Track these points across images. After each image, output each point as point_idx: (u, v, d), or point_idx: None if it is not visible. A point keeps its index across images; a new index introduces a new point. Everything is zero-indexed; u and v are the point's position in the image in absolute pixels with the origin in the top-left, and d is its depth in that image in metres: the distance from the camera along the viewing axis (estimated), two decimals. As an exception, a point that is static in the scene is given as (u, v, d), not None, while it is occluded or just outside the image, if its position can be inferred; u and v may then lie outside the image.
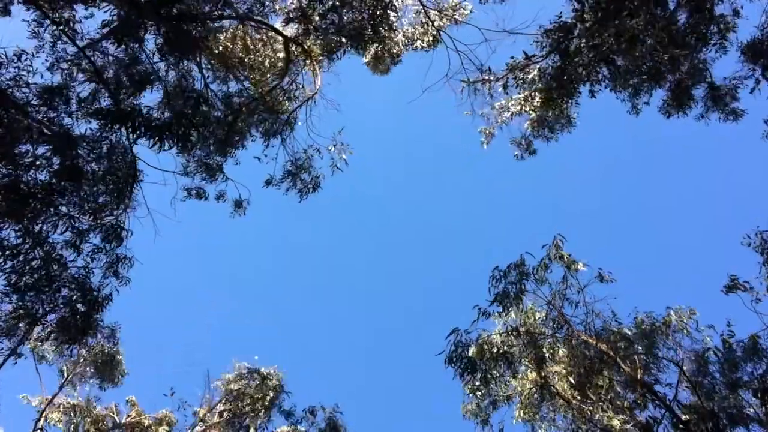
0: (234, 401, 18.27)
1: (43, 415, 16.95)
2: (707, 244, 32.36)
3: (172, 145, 10.61)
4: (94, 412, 17.90)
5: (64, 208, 9.29)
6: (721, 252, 28.42)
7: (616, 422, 13.03)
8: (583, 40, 11.89)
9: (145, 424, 17.56)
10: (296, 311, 37.65)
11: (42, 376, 17.67)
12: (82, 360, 18.17)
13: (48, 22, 10.21)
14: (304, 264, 40.16)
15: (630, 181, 35.80)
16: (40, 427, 16.75)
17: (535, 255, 12.80)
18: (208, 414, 18.10)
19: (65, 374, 17.97)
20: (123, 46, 10.91)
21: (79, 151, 9.66)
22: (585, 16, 11.85)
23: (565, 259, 12.35)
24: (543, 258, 12.44)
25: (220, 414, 18.12)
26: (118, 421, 17.93)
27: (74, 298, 9.28)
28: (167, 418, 18.02)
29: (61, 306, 9.21)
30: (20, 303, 8.95)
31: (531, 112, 14.19)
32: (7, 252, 8.50)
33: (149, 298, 28.99)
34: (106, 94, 10.93)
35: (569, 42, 12.12)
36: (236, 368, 19.29)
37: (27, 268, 8.70)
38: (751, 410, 12.94)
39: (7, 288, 8.67)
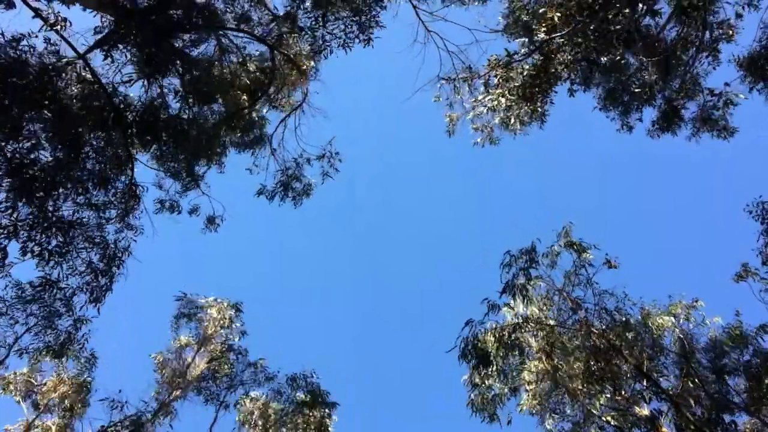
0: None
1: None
2: (713, 235, 32.70)
3: (160, 149, 10.65)
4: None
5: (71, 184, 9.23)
6: (730, 242, 28.58)
7: (620, 414, 13.07)
8: (566, 39, 12.05)
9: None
10: (295, 312, 37.40)
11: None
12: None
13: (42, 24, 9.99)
14: (302, 266, 40.04)
15: (633, 171, 36.11)
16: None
17: (541, 243, 12.93)
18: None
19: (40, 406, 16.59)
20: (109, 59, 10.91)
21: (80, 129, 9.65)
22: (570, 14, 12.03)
23: (576, 246, 12.40)
24: (553, 244, 12.50)
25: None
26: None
27: (92, 257, 9.34)
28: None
29: (81, 267, 9.23)
30: (42, 271, 8.91)
31: (504, 107, 14.10)
32: (21, 223, 8.41)
33: (146, 302, 28.54)
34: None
35: (552, 41, 12.25)
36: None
37: (44, 237, 8.61)
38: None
39: (23, 257, 8.56)
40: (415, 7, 15.21)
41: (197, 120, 13.60)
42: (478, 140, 14.66)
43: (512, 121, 13.96)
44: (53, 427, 15.17)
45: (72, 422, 15.82)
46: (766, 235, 11.79)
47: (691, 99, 14.80)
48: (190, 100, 13.15)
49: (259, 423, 17.16)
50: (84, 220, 9.25)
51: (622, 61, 13.61)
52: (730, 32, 13.67)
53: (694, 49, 13.60)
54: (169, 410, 16.79)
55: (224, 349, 18.01)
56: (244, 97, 15.28)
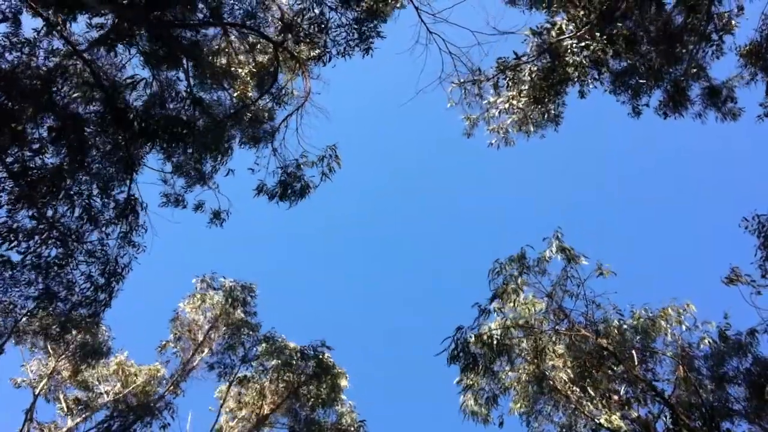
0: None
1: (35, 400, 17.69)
2: (706, 237, 32.80)
3: (163, 148, 10.80)
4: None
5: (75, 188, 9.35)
6: (721, 246, 28.71)
7: (614, 417, 13.11)
8: (575, 41, 12.09)
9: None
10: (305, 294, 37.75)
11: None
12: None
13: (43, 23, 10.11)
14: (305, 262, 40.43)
15: (626, 174, 36.30)
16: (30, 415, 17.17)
17: (533, 250, 13.03)
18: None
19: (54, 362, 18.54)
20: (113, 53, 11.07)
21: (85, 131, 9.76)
22: (578, 15, 12.09)
23: (567, 252, 12.49)
24: (544, 251, 12.58)
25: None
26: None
27: (92, 271, 9.40)
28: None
29: (81, 281, 9.30)
30: (43, 283, 9.03)
31: (517, 110, 13.93)
32: (21, 235, 8.52)
33: (147, 304, 28.82)
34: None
35: (560, 42, 12.30)
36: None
37: (43, 248, 8.74)
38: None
39: (25, 268, 8.70)
40: (417, 9, 15.29)
41: (207, 109, 13.77)
42: (493, 141, 14.70)
43: (526, 122, 13.98)
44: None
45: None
46: (765, 249, 11.68)
47: (696, 81, 14.85)
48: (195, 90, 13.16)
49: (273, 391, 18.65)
50: (84, 233, 9.34)
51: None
52: (731, 24, 13.67)
53: (698, 38, 13.59)
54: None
55: (237, 323, 19.50)
56: (250, 89, 15.56)
